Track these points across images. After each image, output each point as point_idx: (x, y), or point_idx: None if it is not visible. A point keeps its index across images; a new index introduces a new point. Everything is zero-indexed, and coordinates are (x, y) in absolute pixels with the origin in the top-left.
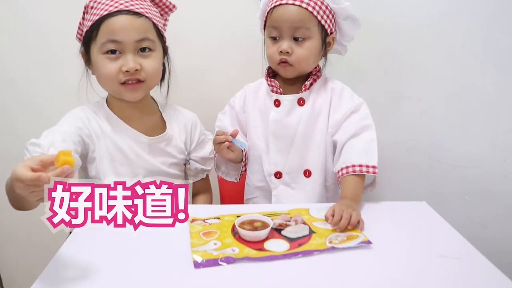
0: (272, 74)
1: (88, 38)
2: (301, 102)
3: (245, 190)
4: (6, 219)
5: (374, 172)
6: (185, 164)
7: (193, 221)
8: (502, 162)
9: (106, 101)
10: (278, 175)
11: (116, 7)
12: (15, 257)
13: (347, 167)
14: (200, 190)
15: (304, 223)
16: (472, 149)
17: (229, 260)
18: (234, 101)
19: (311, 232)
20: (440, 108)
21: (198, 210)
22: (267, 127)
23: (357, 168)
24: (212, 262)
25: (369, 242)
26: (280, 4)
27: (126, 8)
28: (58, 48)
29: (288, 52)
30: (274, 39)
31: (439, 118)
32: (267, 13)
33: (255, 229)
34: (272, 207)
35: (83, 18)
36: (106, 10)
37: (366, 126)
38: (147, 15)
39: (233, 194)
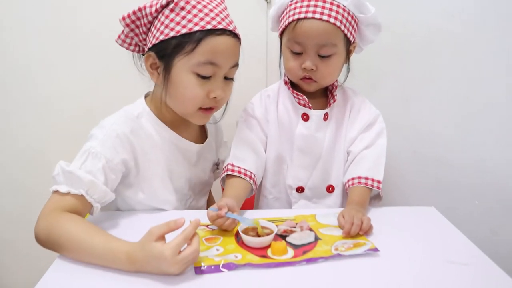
0: (292, 82)
1: (175, 47)
2: (325, 117)
3: (261, 202)
4: (5, 228)
5: (378, 187)
6: (217, 168)
7: None
8: None
9: (150, 108)
10: (300, 189)
11: (220, 23)
12: (13, 266)
13: (353, 179)
14: None
15: (310, 229)
16: (482, 152)
17: (231, 266)
18: (253, 109)
19: (317, 238)
20: (448, 109)
21: (202, 215)
22: (290, 140)
23: (363, 181)
24: (214, 268)
25: (376, 250)
26: (305, 18)
27: (229, 28)
28: (59, 49)
29: (312, 69)
30: (296, 53)
31: (448, 119)
32: (289, 23)
33: (259, 235)
34: (277, 213)
35: (165, 16)
36: (209, 23)
37: (379, 138)
38: (239, 36)
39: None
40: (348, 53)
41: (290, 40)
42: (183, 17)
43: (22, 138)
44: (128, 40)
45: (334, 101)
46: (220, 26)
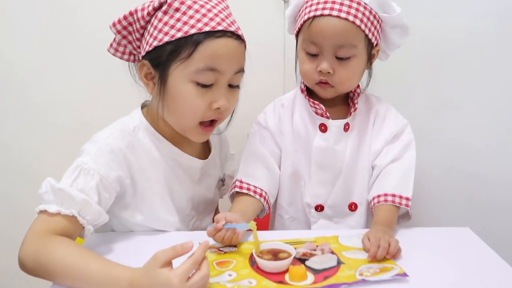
0: (308, 89)
1: (170, 53)
2: (346, 127)
3: (276, 223)
4: None
5: (406, 205)
6: (223, 184)
7: None
8: None
9: (147, 120)
10: (319, 208)
11: (220, 23)
12: None
13: (378, 196)
14: None
15: (332, 252)
16: None
17: None
18: (266, 119)
19: (340, 262)
20: (486, 120)
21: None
22: (307, 154)
23: (390, 198)
24: None
25: (405, 275)
26: (321, 15)
27: (231, 29)
28: (54, 53)
29: (329, 73)
30: (312, 55)
31: (486, 131)
32: (304, 21)
33: (276, 259)
34: (296, 234)
35: (158, 19)
36: (207, 24)
37: (407, 150)
38: (243, 38)
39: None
40: (371, 57)
41: (306, 40)
42: (178, 19)
43: (12, 151)
44: (121, 49)
45: (355, 110)
46: (219, 28)
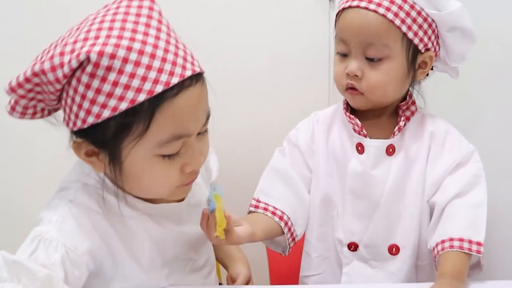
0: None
1: (117, 131)
2: (390, 150)
3: (303, 263)
4: None
5: (478, 251)
6: None
7: None
8: None
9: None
10: (352, 246)
11: (172, 73)
12: None
13: (442, 241)
14: None
15: None
16: None
17: None
18: (297, 136)
19: None
20: None
21: None
22: (343, 179)
23: (457, 243)
24: None
25: None
26: (350, 7)
27: (187, 74)
28: None
29: (357, 76)
30: (342, 55)
31: None
32: (336, 16)
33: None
34: None
35: (84, 85)
36: (157, 81)
37: (476, 183)
38: (202, 70)
39: (284, 266)
40: (415, 65)
41: (336, 38)
42: (115, 83)
43: None
44: (30, 111)
45: (400, 130)
46: (175, 80)
